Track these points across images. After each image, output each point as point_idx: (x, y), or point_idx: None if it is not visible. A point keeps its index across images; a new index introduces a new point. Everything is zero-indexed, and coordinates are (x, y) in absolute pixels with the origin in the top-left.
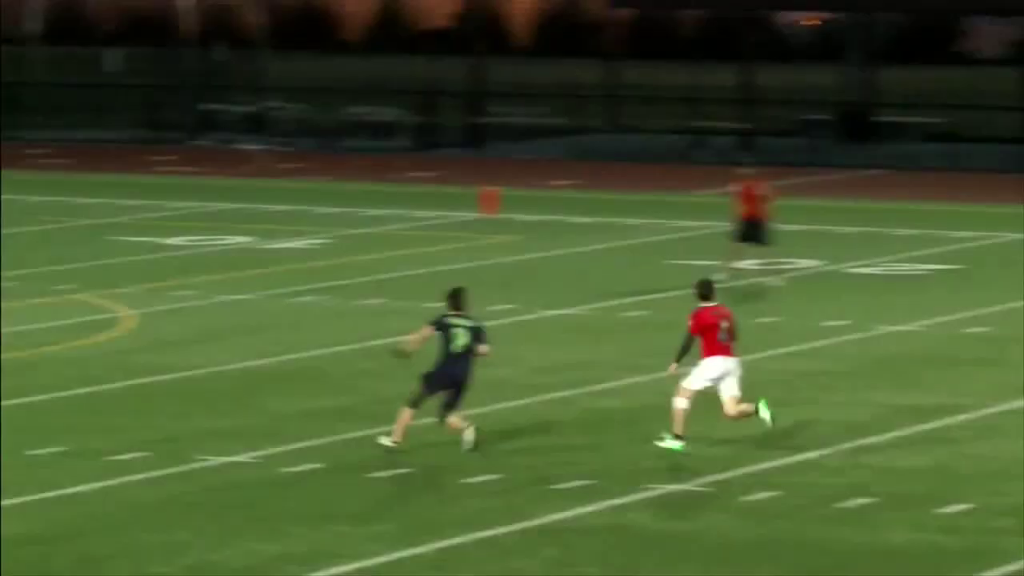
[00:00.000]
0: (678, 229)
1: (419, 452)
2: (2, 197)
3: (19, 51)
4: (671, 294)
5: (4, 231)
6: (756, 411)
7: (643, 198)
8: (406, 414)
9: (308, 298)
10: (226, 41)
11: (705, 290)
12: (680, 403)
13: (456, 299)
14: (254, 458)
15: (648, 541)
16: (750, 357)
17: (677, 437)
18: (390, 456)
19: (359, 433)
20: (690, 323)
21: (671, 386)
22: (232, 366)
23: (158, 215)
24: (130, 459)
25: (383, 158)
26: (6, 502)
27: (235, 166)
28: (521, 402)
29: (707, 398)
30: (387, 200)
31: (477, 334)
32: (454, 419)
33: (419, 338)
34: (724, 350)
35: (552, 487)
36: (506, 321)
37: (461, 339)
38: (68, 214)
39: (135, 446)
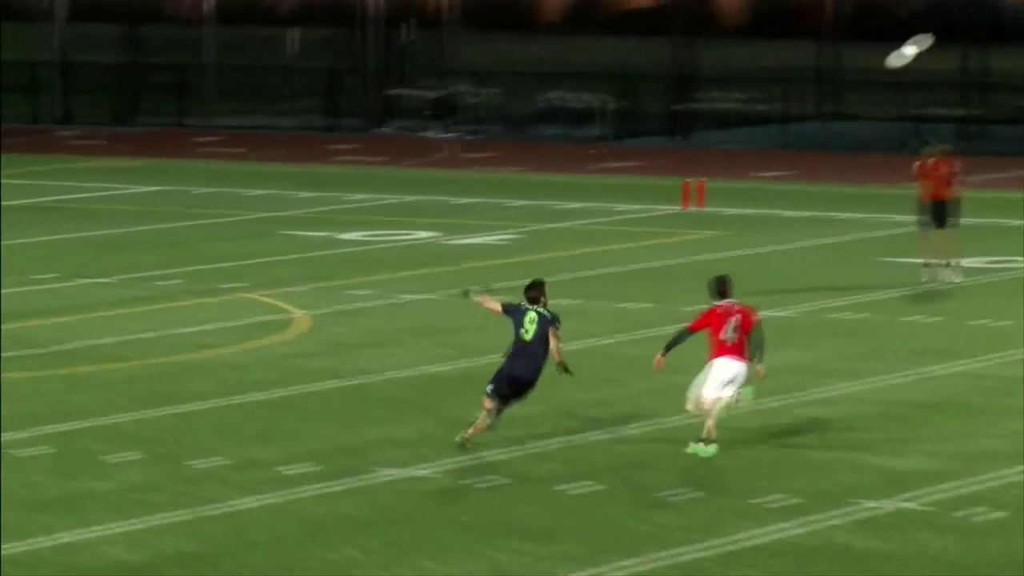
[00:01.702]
0: (895, 224)
1: (611, 464)
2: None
3: (191, 33)
4: (887, 294)
5: (170, 224)
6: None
7: (858, 191)
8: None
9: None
10: (412, 21)
11: (719, 287)
12: (704, 407)
13: (534, 291)
14: (432, 471)
15: (855, 562)
16: (965, 361)
17: (707, 442)
18: (579, 468)
19: (551, 444)
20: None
21: (887, 393)
22: (411, 371)
23: (335, 208)
24: (298, 472)
25: (579, 147)
26: (165, 518)
27: (420, 155)
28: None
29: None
30: (583, 192)
31: (550, 322)
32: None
33: (490, 308)
34: (731, 350)
35: (752, 503)
36: None
37: (532, 328)
38: (238, 207)
39: (304, 457)
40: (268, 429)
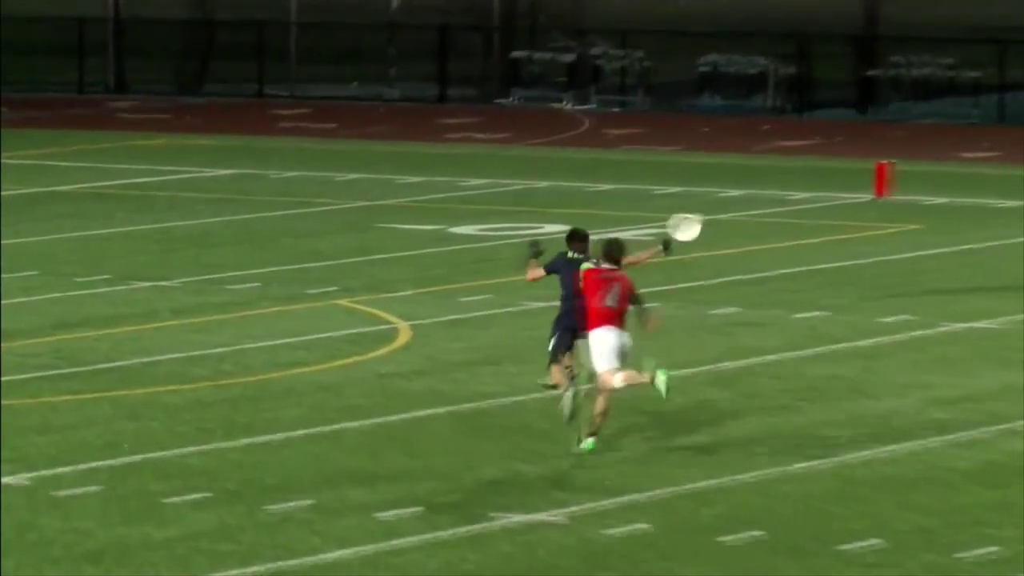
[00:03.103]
0: None
1: (780, 508)
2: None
3: None
4: None
5: (246, 215)
6: (651, 380)
7: None
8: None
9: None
10: None
11: (609, 249)
12: (615, 382)
13: (579, 243)
14: (564, 515)
15: None
16: None
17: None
18: (741, 513)
19: (711, 481)
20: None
21: None
22: (539, 395)
23: (446, 196)
24: (400, 517)
25: (745, 121)
26: (239, 572)
27: (550, 132)
28: (914, 443)
29: None
30: (750, 177)
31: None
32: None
33: (533, 277)
34: (610, 317)
35: (953, 556)
36: (900, 337)
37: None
38: (329, 194)
39: (408, 500)
40: (364, 465)
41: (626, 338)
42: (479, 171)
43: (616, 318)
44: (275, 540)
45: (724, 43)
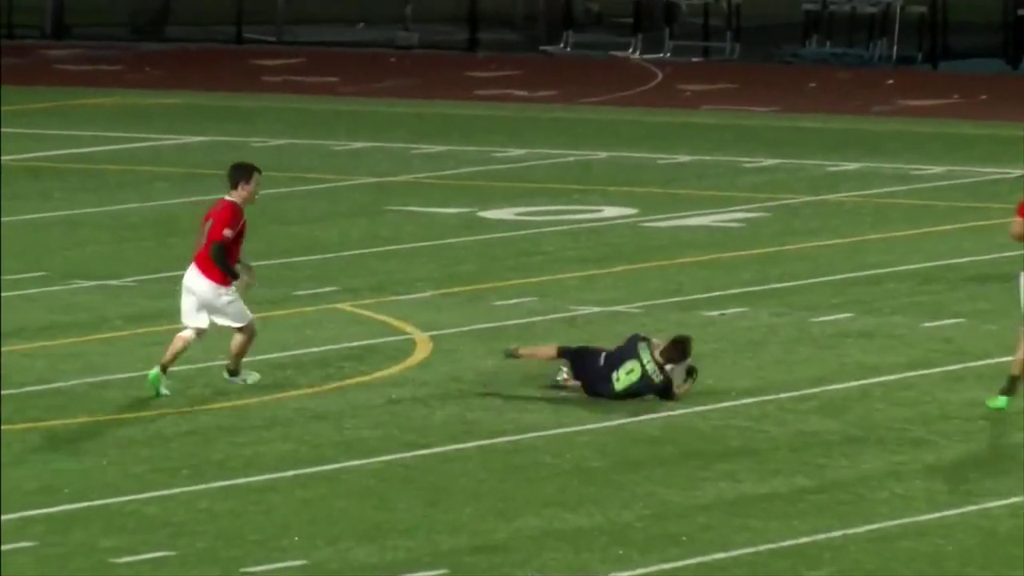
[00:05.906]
0: None
1: (900, 571)
2: None
3: None
4: None
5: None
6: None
7: None
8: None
9: (721, 311)
10: None
11: (233, 173)
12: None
13: (677, 351)
14: None
15: None
16: None
17: (163, 368)
18: (854, 575)
19: (816, 536)
20: None
21: None
22: (592, 426)
23: (477, 170)
24: None
25: (862, 74)
26: None
27: (611, 87)
28: None
29: None
30: (866, 146)
31: (655, 389)
32: None
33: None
34: (198, 260)
35: None
36: None
37: (627, 381)
38: (327, 168)
39: (426, 559)
40: (371, 515)
41: (204, 287)
42: (519, 138)
43: (200, 260)
44: None
45: None
